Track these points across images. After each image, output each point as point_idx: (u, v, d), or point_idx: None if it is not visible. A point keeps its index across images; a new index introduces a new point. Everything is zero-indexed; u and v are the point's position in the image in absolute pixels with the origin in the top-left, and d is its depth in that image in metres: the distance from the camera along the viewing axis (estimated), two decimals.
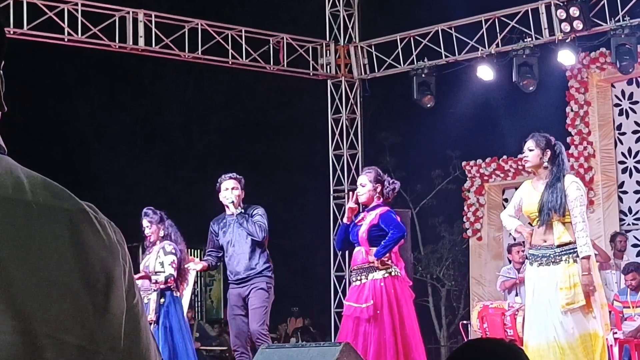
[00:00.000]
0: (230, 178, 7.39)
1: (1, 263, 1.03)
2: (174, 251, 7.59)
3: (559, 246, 6.27)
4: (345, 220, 7.14)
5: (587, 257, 6.19)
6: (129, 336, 1.11)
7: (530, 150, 6.37)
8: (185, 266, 7.75)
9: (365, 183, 7.01)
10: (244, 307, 7.32)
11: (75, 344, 1.05)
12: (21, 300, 1.03)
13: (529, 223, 6.73)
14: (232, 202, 7.32)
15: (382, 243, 6.79)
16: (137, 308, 1.14)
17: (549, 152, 6.33)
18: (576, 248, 6.24)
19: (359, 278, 6.88)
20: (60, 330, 1.04)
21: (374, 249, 6.82)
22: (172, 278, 7.54)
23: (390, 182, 7.08)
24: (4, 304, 1.02)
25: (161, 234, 7.66)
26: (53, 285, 1.05)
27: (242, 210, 7.36)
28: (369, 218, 6.93)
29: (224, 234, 7.46)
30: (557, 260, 6.26)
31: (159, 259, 7.57)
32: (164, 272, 7.53)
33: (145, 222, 7.67)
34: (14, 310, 1.02)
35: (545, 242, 6.32)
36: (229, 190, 7.36)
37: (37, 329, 1.03)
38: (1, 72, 1.17)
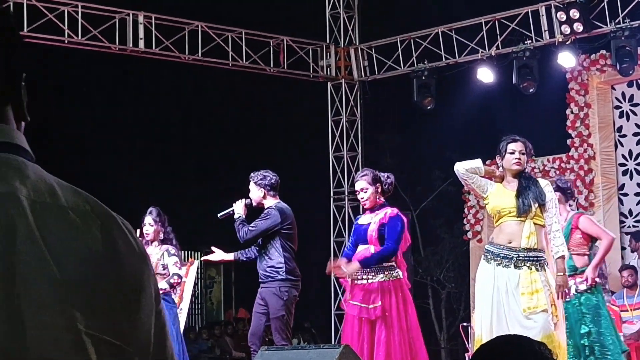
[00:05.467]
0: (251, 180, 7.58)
1: (47, 263, 1.07)
2: (176, 254, 7.68)
3: (525, 249, 5.97)
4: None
5: (562, 257, 6.03)
6: (157, 338, 1.16)
7: (523, 153, 6.18)
8: (206, 258, 8.14)
9: (366, 187, 6.90)
10: (263, 306, 7.38)
11: (112, 342, 1.10)
12: (67, 299, 1.07)
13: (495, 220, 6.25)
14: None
15: (373, 254, 6.74)
16: (163, 312, 1.19)
17: (530, 156, 6.25)
18: (541, 257, 5.97)
19: (364, 277, 6.78)
20: (99, 328, 1.09)
21: None
22: (178, 278, 7.60)
23: (385, 177, 7.03)
24: (54, 300, 1.06)
25: (161, 236, 7.66)
26: (92, 286, 1.09)
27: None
28: (378, 217, 6.83)
29: None
30: (519, 265, 5.96)
31: (161, 261, 7.55)
32: (165, 274, 7.54)
33: (149, 220, 7.63)
34: (62, 307, 1.07)
35: (510, 242, 6.02)
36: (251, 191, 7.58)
37: (80, 326, 1.07)
38: (23, 83, 1.22)
